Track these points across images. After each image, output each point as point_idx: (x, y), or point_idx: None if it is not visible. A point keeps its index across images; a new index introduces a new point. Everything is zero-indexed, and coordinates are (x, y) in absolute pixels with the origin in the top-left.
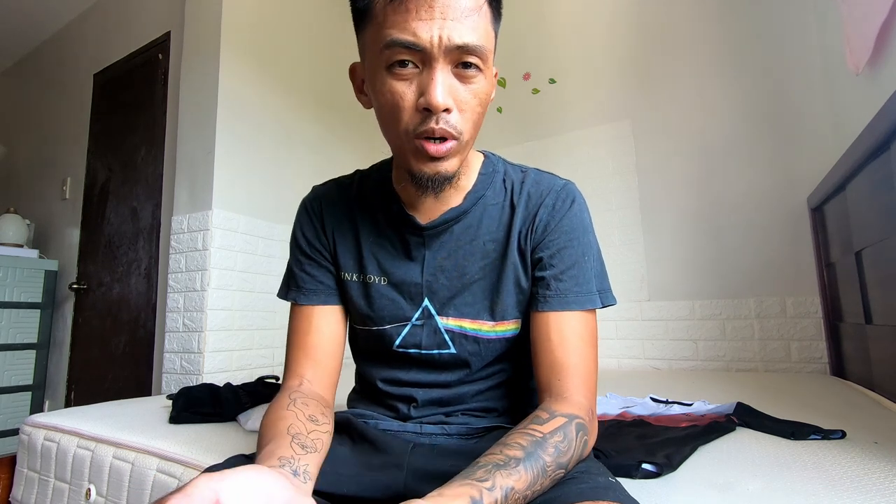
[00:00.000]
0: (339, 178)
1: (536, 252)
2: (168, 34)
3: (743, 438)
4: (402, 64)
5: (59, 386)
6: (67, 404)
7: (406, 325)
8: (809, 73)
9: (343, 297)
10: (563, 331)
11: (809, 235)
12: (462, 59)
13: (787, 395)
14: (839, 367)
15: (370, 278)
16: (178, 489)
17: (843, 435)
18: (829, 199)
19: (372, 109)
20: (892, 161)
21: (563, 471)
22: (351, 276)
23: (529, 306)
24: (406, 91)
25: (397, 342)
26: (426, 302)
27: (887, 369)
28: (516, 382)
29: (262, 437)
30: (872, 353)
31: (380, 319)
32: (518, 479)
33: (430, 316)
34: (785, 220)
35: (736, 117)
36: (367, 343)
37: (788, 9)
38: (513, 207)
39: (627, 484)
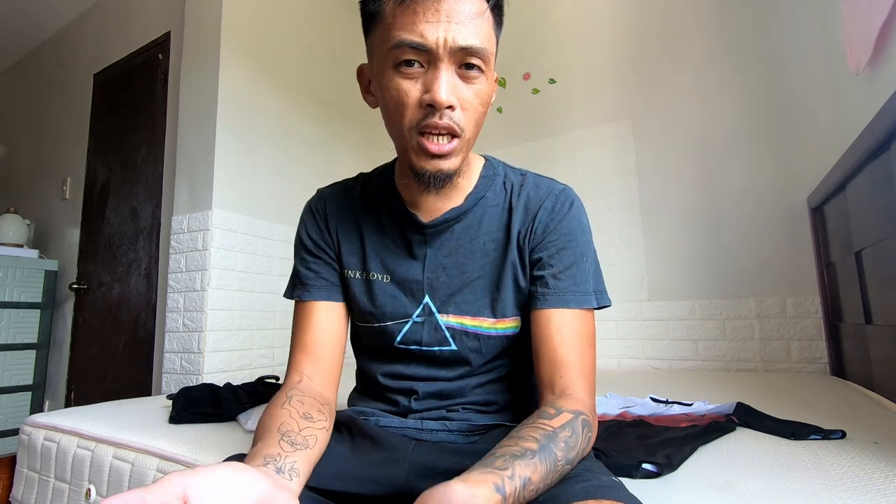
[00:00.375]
0: (342, 180)
1: (535, 252)
2: (168, 34)
3: (743, 438)
4: (409, 63)
5: (59, 386)
6: (67, 404)
7: (407, 322)
8: (810, 73)
9: (346, 295)
10: (563, 328)
11: (809, 235)
12: (465, 61)
13: (787, 395)
14: (839, 367)
15: (373, 275)
16: (149, 485)
17: (843, 435)
18: (829, 198)
19: (376, 110)
20: (893, 161)
21: (569, 466)
22: (354, 274)
23: (528, 305)
24: (411, 89)
25: (398, 339)
26: (427, 299)
27: (887, 369)
28: (517, 378)
29: (256, 435)
30: (872, 353)
31: (381, 316)
32: (534, 470)
33: (431, 313)
34: (785, 219)
35: (736, 117)
36: (368, 340)
37: (789, 8)
38: (513, 209)
39: (627, 484)
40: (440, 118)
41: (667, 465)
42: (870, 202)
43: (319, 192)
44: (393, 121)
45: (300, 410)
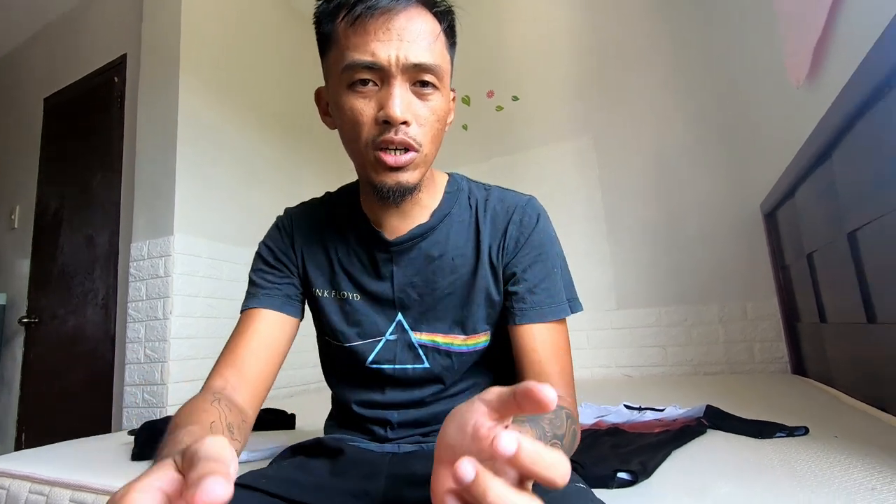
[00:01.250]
0: (310, 200)
1: (509, 268)
2: (124, 56)
3: (713, 441)
4: (363, 82)
5: (9, 428)
6: (18, 447)
7: (380, 341)
8: (757, 87)
9: (317, 315)
10: (543, 342)
11: (764, 240)
12: (419, 78)
13: (753, 395)
14: (799, 366)
15: (344, 294)
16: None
17: (806, 431)
18: (780, 204)
19: (336, 130)
20: (834, 168)
21: (558, 442)
22: (323, 293)
23: (501, 319)
24: (365, 107)
25: (371, 358)
26: (399, 316)
27: (843, 366)
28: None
29: (182, 419)
30: (828, 350)
31: (353, 335)
32: (526, 432)
33: (404, 330)
34: (741, 226)
35: (691, 131)
36: (340, 362)
37: (737, 27)
38: (480, 224)
39: (604, 494)
40: (395, 133)
41: (641, 472)
42: (817, 207)
43: (287, 210)
44: (350, 139)
45: (228, 418)
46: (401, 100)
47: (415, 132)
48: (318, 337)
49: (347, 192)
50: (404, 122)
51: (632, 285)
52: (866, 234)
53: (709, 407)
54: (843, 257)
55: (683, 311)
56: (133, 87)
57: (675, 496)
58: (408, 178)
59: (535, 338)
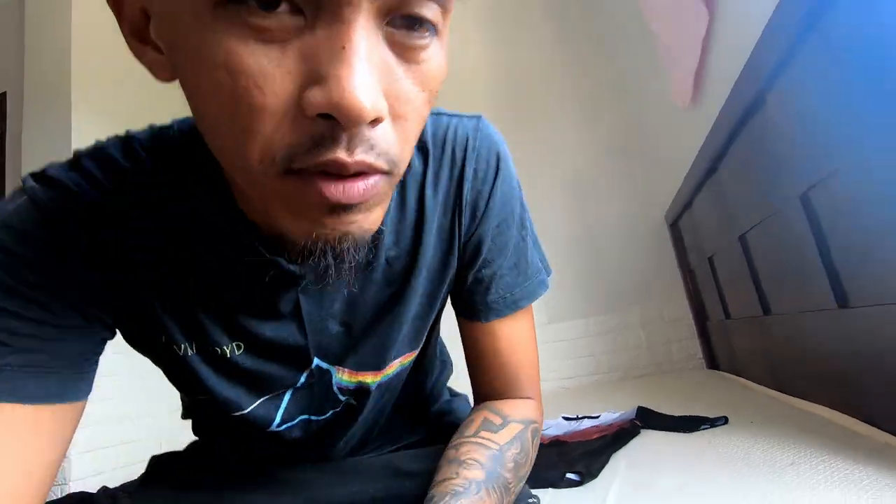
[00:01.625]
0: (103, 153)
1: (470, 245)
2: (3, 95)
3: (647, 440)
4: (267, 4)
5: None
6: None
7: (286, 393)
8: (653, 109)
9: (182, 377)
10: (510, 338)
11: (671, 247)
12: (405, 10)
13: (676, 392)
14: (712, 361)
15: (220, 350)
16: None
17: (726, 421)
18: (681, 214)
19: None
20: (722, 179)
21: (522, 483)
22: (184, 349)
23: (462, 311)
24: (273, 70)
25: (276, 420)
26: (316, 362)
27: (747, 357)
28: (414, 393)
29: None
30: (735, 344)
31: (243, 402)
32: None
33: (323, 372)
34: (650, 236)
35: (599, 150)
36: (223, 428)
37: (631, 55)
38: (419, 195)
39: (553, 494)
40: (349, 148)
41: (588, 474)
42: (711, 214)
43: (56, 178)
44: (224, 137)
45: None
46: (367, 64)
47: (388, 138)
48: (182, 395)
49: (195, 158)
50: (374, 120)
51: (560, 299)
52: (754, 235)
53: (640, 408)
54: (737, 258)
55: (609, 320)
56: (16, 129)
57: (619, 494)
58: (364, 223)
59: (502, 337)
